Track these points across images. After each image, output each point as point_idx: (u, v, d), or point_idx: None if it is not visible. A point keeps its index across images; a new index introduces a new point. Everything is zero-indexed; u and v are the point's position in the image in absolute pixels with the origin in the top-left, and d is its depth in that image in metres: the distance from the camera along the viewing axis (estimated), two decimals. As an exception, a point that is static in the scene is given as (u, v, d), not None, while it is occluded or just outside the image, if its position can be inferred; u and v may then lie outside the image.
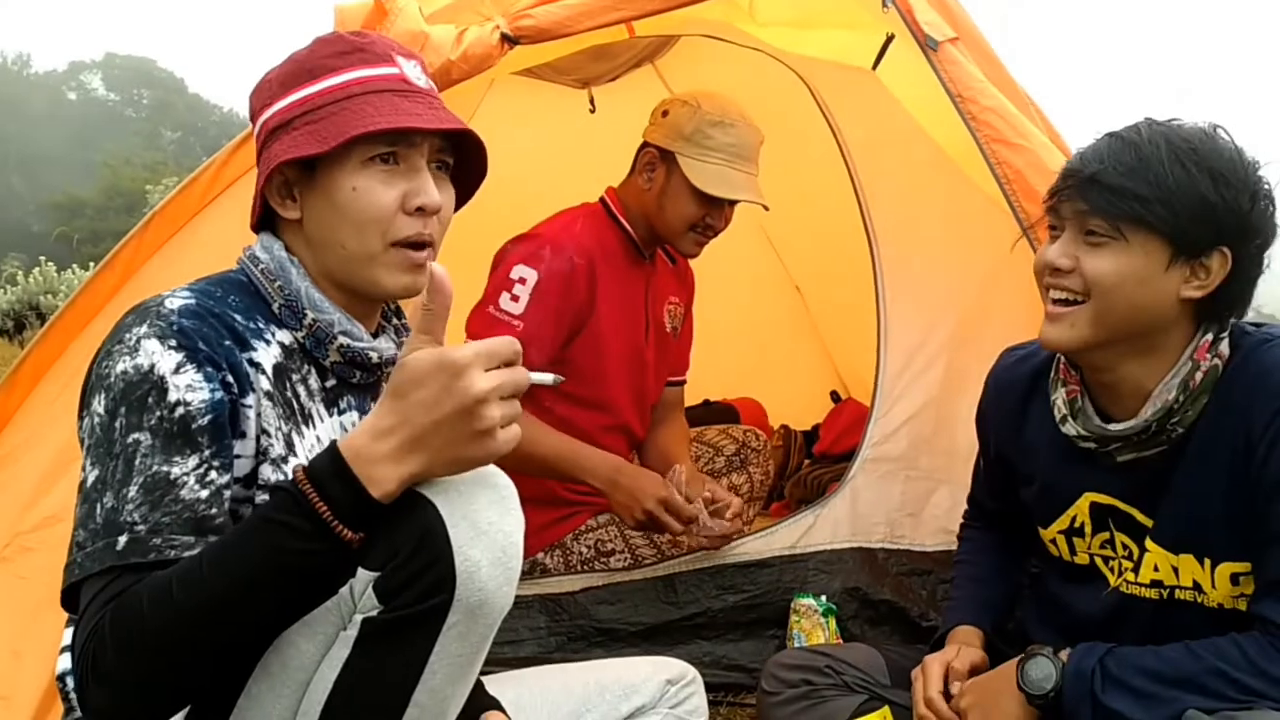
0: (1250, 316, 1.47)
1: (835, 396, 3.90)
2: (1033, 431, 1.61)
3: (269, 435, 1.16)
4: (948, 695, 1.57)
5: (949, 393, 2.32)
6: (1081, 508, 1.55)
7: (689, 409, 2.86)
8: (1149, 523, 1.48)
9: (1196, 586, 1.45)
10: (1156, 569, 1.47)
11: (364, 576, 1.03)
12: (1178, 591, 1.46)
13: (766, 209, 2.41)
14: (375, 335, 1.32)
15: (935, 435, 2.33)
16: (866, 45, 2.38)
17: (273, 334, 1.21)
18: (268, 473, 1.16)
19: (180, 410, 1.08)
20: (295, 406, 1.22)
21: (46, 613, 1.27)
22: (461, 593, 1.02)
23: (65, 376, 1.91)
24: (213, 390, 1.10)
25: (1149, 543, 1.47)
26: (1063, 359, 1.54)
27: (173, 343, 1.09)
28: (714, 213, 2.34)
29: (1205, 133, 1.39)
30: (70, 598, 1.08)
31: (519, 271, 2.23)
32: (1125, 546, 1.51)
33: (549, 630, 2.19)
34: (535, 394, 2.12)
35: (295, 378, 1.23)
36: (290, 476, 1.06)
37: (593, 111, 3.34)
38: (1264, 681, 1.28)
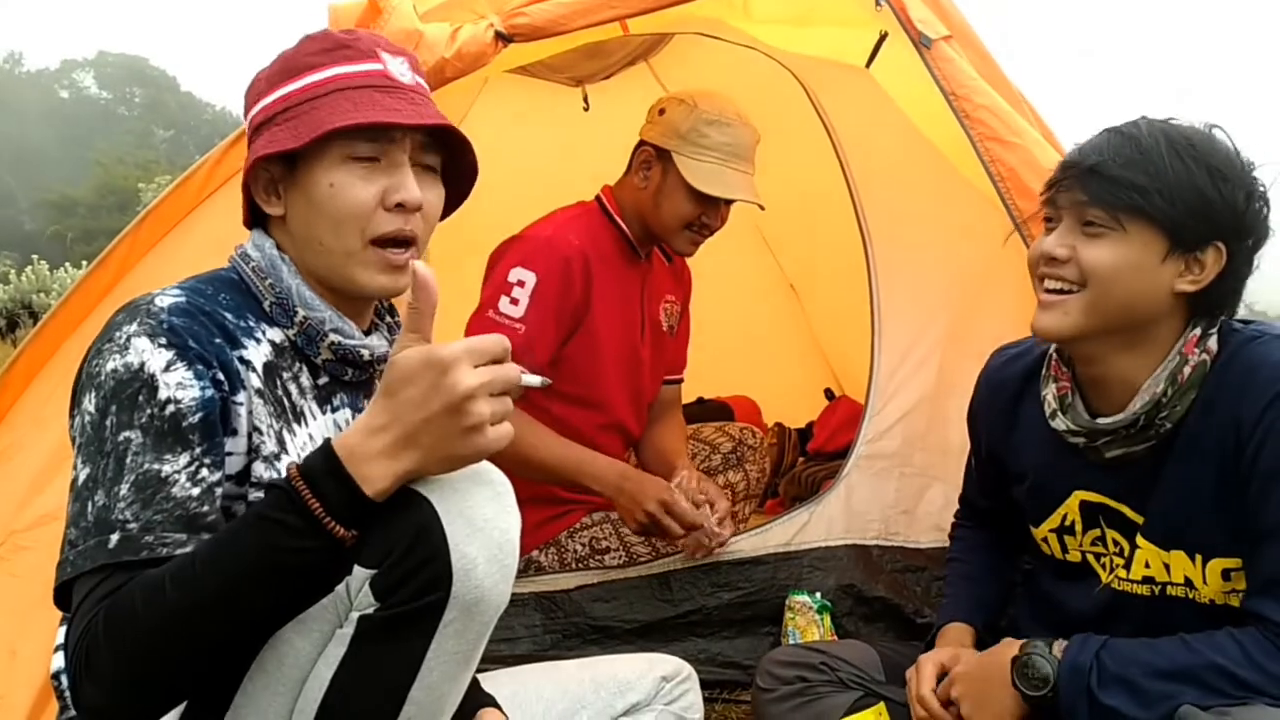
0: (1241, 313, 1.48)
1: (829, 394, 3.90)
2: (1024, 431, 1.62)
3: (261, 433, 1.16)
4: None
5: (943, 390, 2.32)
6: (1072, 506, 1.55)
7: (683, 407, 2.86)
8: (1139, 520, 1.48)
9: (1188, 583, 1.45)
10: (1148, 565, 1.48)
11: (360, 574, 1.03)
12: (1169, 588, 1.47)
13: (762, 209, 2.42)
14: (368, 333, 1.32)
15: (929, 432, 2.34)
16: (860, 43, 2.38)
17: (263, 332, 1.21)
18: (260, 470, 1.16)
19: (171, 408, 1.08)
20: (286, 404, 1.22)
21: (41, 611, 1.27)
22: (458, 590, 1.02)
23: (59, 375, 1.91)
24: (203, 388, 1.10)
25: (1140, 539, 1.48)
26: (1054, 356, 1.55)
27: (163, 341, 1.10)
28: (710, 212, 2.34)
29: (1202, 131, 1.41)
30: (62, 596, 1.08)
31: (517, 274, 2.22)
32: (1116, 543, 1.52)
33: (544, 628, 2.19)
34: (529, 394, 2.12)
35: (286, 376, 1.23)
36: (283, 474, 1.06)
37: (586, 110, 3.34)
38: (1263, 677, 1.28)
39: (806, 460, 3.48)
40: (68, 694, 1.11)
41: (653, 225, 2.38)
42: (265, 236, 1.27)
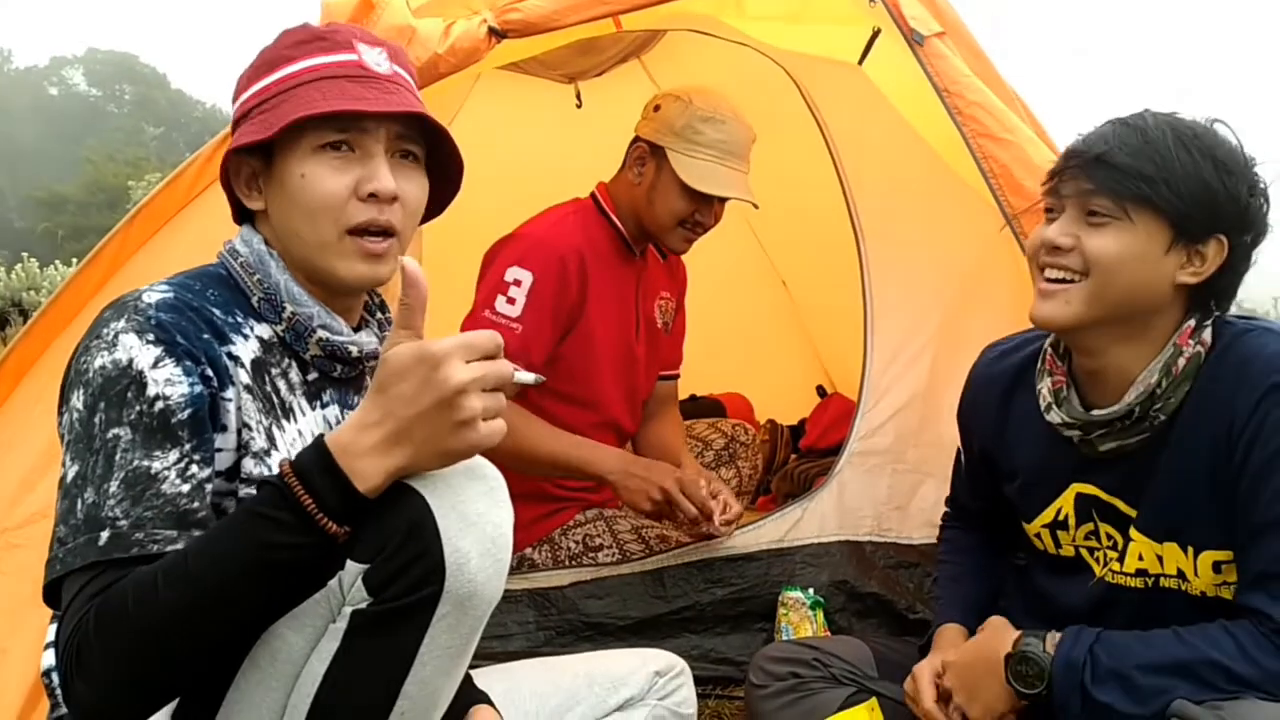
0: (1232, 310, 1.49)
1: (821, 391, 3.90)
2: (1017, 427, 1.62)
3: (250, 429, 1.16)
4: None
5: (935, 386, 2.33)
6: (1066, 501, 1.55)
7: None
8: (1133, 513, 1.48)
9: (1180, 575, 1.45)
10: (1141, 558, 1.48)
11: (353, 569, 1.03)
12: (1162, 580, 1.47)
13: (756, 207, 2.42)
14: (357, 329, 1.32)
15: (922, 429, 2.34)
16: (853, 40, 2.38)
17: (251, 328, 1.21)
18: (250, 466, 1.16)
19: (160, 404, 1.08)
20: (276, 400, 1.21)
21: (32, 609, 1.26)
22: (451, 584, 1.02)
23: (49, 373, 1.90)
24: (192, 384, 1.10)
25: (1133, 532, 1.48)
26: (1049, 350, 1.55)
27: (151, 337, 1.09)
28: (703, 209, 2.34)
29: (1206, 125, 1.41)
30: (52, 594, 1.08)
31: (513, 273, 2.22)
32: (1110, 537, 1.52)
33: (537, 625, 2.19)
34: (523, 392, 2.12)
35: (275, 371, 1.22)
36: (274, 470, 1.06)
37: (579, 107, 3.33)
38: (1256, 671, 1.29)
39: (799, 457, 3.47)
40: (58, 692, 1.11)
41: (646, 222, 2.38)
42: (254, 232, 1.26)
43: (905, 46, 2.16)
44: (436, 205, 1.36)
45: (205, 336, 1.14)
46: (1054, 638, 1.42)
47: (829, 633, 2.15)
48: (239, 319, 1.20)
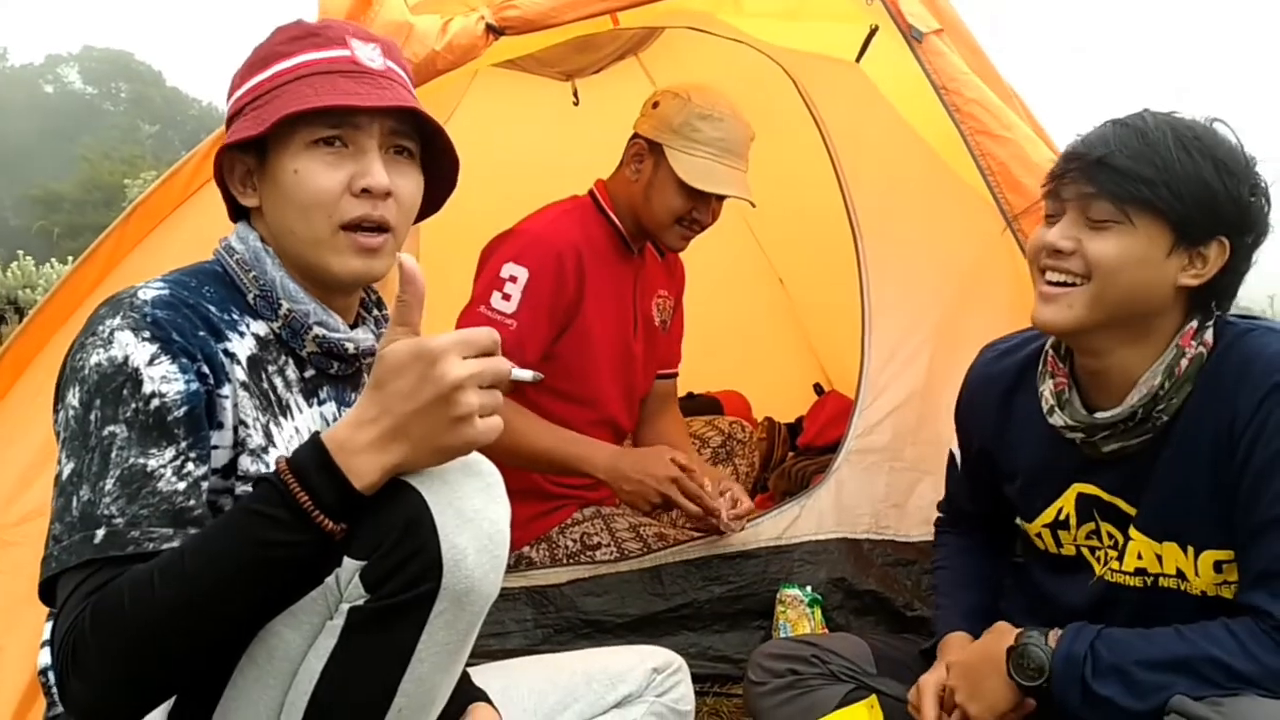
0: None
1: (819, 389, 3.90)
2: (1017, 426, 1.61)
3: (246, 426, 1.16)
4: None
5: (933, 384, 2.33)
6: (1068, 500, 1.55)
7: (673, 401, 2.86)
8: (1133, 512, 1.48)
9: (1180, 574, 1.45)
10: (1140, 557, 1.48)
11: (350, 566, 1.03)
12: (1161, 579, 1.47)
13: (754, 205, 2.41)
14: (354, 326, 1.32)
15: (920, 426, 2.34)
16: (850, 37, 2.38)
17: (247, 325, 1.20)
18: (246, 464, 1.16)
19: (156, 402, 1.07)
20: (272, 398, 1.21)
21: (29, 607, 1.26)
22: (448, 580, 1.02)
23: (45, 371, 1.89)
24: (188, 381, 1.09)
25: (1133, 531, 1.48)
26: (1050, 352, 1.55)
27: (146, 334, 1.09)
28: (700, 207, 2.33)
29: (1206, 124, 1.40)
30: (48, 591, 1.08)
31: (509, 270, 2.21)
32: (1110, 536, 1.52)
33: (535, 622, 2.19)
34: (520, 389, 2.12)
35: (272, 369, 1.22)
36: (271, 467, 1.06)
37: (576, 104, 3.33)
38: (1256, 668, 1.29)
39: (796, 455, 3.47)
40: (55, 690, 1.11)
41: (643, 219, 2.38)
42: (249, 229, 1.26)
43: (903, 44, 2.16)
44: (433, 203, 1.36)
45: (201, 334, 1.13)
46: (1056, 633, 1.42)
47: (827, 630, 2.15)
48: (235, 316, 1.20)
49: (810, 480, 2.87)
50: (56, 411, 1.13)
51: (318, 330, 1.24)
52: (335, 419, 1.28)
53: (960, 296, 2.39)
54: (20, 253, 13.40)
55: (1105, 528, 1.52)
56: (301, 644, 1.06)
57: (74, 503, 1.06)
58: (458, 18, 1.98)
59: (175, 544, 1.05)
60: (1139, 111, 1.43)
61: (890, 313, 2.44)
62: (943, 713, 1.55)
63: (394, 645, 1.04)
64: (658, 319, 2.59)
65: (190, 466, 1.09)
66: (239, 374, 1.16)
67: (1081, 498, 1.54)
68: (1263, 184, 1.39)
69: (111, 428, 1.07)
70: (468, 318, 2.21)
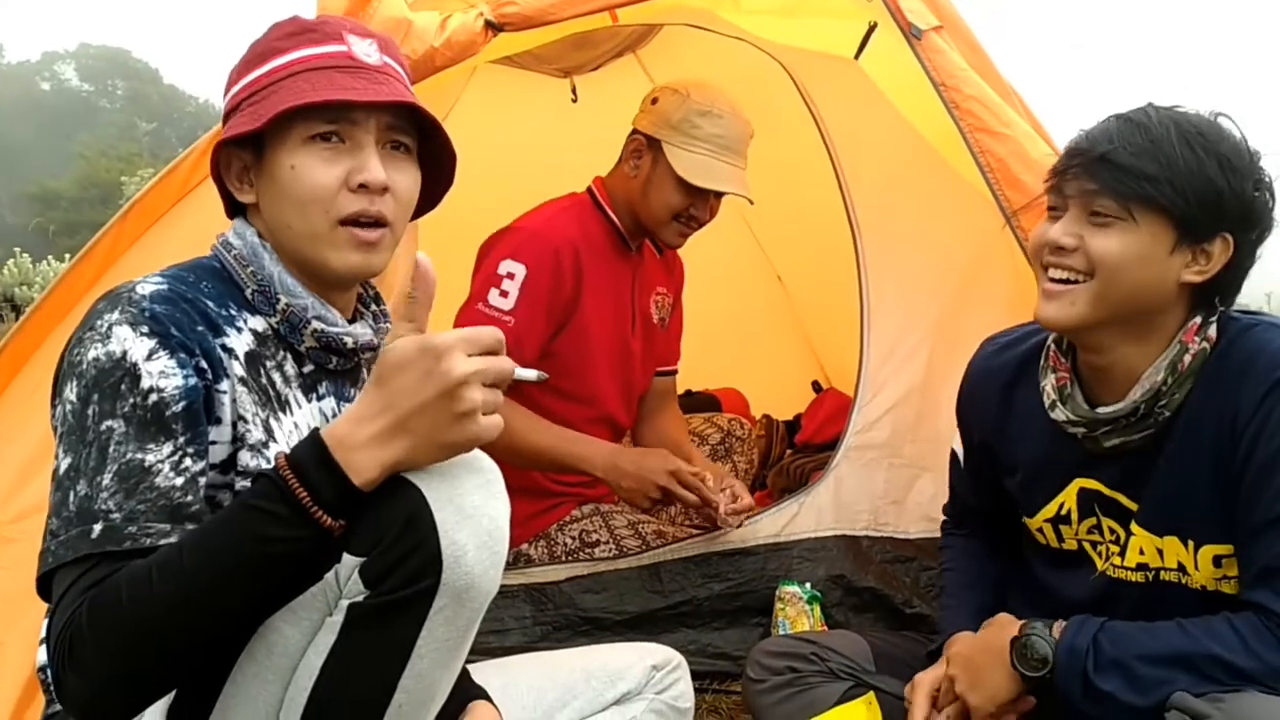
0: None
1: (817, 386, 3.90)
2: (1018, 420, 1.61)
3: (246, 421, 1.16)
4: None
5: (932, 380, 2.33)
6: (1070, 495, 1.55)
7: (671, 399, 2.85)
8: (1134, 507, 1.48)
9: (1181, 569, 1.45)
10: (1142, 552, 1.48)
11: (350, 562, 1.03)
12: (1162, 574, 1.47)
13: (751, 203, 2.41)
14: (352, 321, 1.32)
15: (919, 423, 2.34)
16: (849, 34, 2.38)
17: (245, 321, 1.20)
18: (246, 459, 1.16)
19: (154, 397, 1.07)
20: (271, 393, 1.21)
21: (28, 604, 1.26)
22: (448, 576, 1.02)
23: (43, 368, 1.89)
24: (186, 376, 1.09)
25: (1134, 526, 1.48)
26: (1053, 347, 1.55)
27: (145, 329, 1.09)
28: (698, 203, 2.33)
29: (1210, 119, 1.40)
30: (45, 586, 1.07)
31: (506, 266, 2.21)
32: (1112, 531, 1.52)
33: (534, 620, 2.19)
34: (519, 387, 2.12)
35: (270, 364, 1.22)
36: (271, 463, 1.05)
37: (575, 101, 3.33)
38: (1258, 665, 1.29)
39: (794, 452, 3.47)
40: (54, 687, 1.11)
41: (641, 215, 2.38)
42: (247, 225, 1.26)
43: (902, 40, 2.16)
44: (430, 199, 1.36)
45: (199, 328, 1.13)
46: (1060, 625, 1.42)
47: (826, 627, 2.15)
48: (233, 311, 1.20)
49: (809, 477, 2.87)
50: (54, 406, 1.13)
51: (316, 325, 1.24)
52: (334, 414, 1.28)
53: (959, 293, 2.39)
54: (17, 250, 13.38)
55: (1107, 523, 1.52)
56: (301, 640, 1.05)
57: (71, 497, 1.05)
58: (456, 14, 1.98)
59: (173, 539, 1.04)
60: (1143, 106, 1.42)
61: (889, 309, 2.44)
62: (934, 711, 1.55)
63: (394, 641, 1.04)
64: (656, 316, 2.59)
65: (188, 462, 1.09)
66: (237, 369, 1.16)
67: (1083, 492, 1.54)
68: (1267, 179, 1.38)
69: (109, 422, 1.06)
70: (465, 315, 2.21)
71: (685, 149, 2.28)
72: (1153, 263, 1.37)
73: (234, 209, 1.30)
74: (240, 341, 1.18)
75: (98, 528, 1.03)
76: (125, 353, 1.07)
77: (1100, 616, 1.43)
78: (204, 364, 1.12)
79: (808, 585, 2.18)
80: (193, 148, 2.05)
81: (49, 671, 1.05)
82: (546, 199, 2.46)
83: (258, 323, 1.22)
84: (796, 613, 2.14)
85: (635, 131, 2.37)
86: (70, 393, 1.09)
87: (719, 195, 2.36)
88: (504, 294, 2.19)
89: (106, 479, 1.05)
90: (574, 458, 2.22)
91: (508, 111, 3.36)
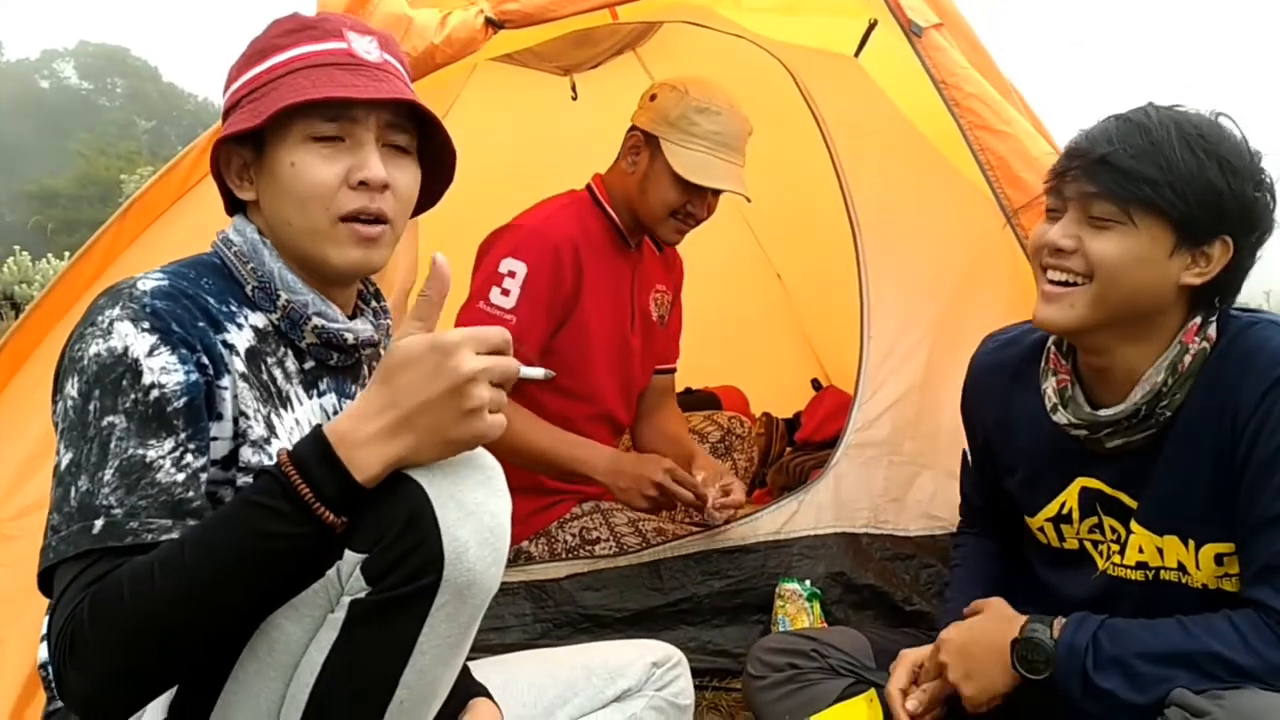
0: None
1: (816, 384, 3.90)
2: (1019, 420, 1.61)
3: (247, 417, 1.16)
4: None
5: (932, 378, 2.32)
6: (1070, 495, 1.55)
7: (670, 397, 2.86)
8: (1135, 505, 1.48)
9: (1181, 568, 1.45)
10: (1141, 550, 1.48)
11: (351, 558, 1.02)
12: (1163, 573, 1.47)
13: (749, 201, 2.41)
14: (352, 317, 1.32)
15: (919, 421, 2.34)
16: (849, 32, 2.38)
17: (245, 317, 1.20)
18: (248, 455, 1.16)
19: (155, 393, 1.07)
20: (273, 389, 1.21)
21: (29, 601, 1.26)
22: (450, 573, 1.02)
23: (44, 365, 1.89)
24: (187, 372, 1.09)
25: (1134, 525, 1.48)
26: (1053, 349, 1.54)
27: (146, 325, 1.09)
28: (695, 200, 2.33)
29: (1211, 120, 1.39)
30: (46, 582, 1.08)
31: (507, 265, 2.21)
32: (1113, 530, 1.52)
33: (534, 617, 2.19)
34: (520, 385, 2.12)
35: (271, 360, 1.22)
36: (273, 459, 1.05)
37: (574, 99, 3.33)
38: (1258, 663, 1.29)
39: (794, 450, 3.47)
40: (55, 684, 1.11)
41: (639, 211, 2.38)
42: (246, 222, 1.26)
43: (902, 38, 2.15)
44: (430, 196, 1.36)
45: (200, 324, 1.13)
46: (1060, 622, 1.42)
47: (826, 624, 2.15)
48: (233, 308, 1.20)
49: (808, 475, 2.87)
50: (55, 402, 1.13)
51: (316, 321, 1.24)
52: (336, 411, 1.28)
53: (959, 291, 2.39)
54: (17, 248, 13.38)
55: (1108, 522, 1.52)
56: (303, 637, 1.05)
57: (72, 493, 1.05)
58: (456, 11, 1.98)
59: (174, 535, 1.04)
60: (1143, 106, 1.42)
61: (889, 307, 2.44)
62: (913, 686, 1.56)
63: (395, 638, 1.04)
64: (655, 314, 2.59)
65: (189, 458, 1.09)
66: (238, 365, 1.16)
67: (1084, 492, 1.54)
68: (1267, 180, 1.38)
69: (110, 418, 1.06)
70: (467, 314, 2.21)
71: (683, 146, 2.27)
72: (1152, 265, 1.37)
73: (233, 206, 1.30)
74: (241, 338, 1.18)
75: (99, 523, 1.04)
76: (127, 348, 1.08)
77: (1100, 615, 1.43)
78: (205, 360, 1.12)
79: (808, 582, 2.18)
80: (192, 145, 2.04)
81: (50, 668, 1.06)
82: (546, 196, 2.46)
83: (258, 319, 1.22)
84: (796, 610, 2.14)
85: (634, 128, 2.37)
86: (71, 388, 1.09)
87: (716, 193, 2.36)
88: (505, 292, 2.20)
89: (108, 474, 1.05)
90: (574, 460, 2.23)
91: (508, 109, 3.35)
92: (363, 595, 1.03)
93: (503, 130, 3.37)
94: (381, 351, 1.33)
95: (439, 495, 1.03)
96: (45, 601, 1.10)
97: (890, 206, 2.53)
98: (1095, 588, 1.54)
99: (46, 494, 1.10)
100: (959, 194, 2.28)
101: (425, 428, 1.01)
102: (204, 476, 1.11)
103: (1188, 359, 1.40)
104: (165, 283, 1.14)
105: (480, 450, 1.10)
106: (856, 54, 2.40)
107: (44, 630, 1.10)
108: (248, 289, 1.22)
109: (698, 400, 3.56)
